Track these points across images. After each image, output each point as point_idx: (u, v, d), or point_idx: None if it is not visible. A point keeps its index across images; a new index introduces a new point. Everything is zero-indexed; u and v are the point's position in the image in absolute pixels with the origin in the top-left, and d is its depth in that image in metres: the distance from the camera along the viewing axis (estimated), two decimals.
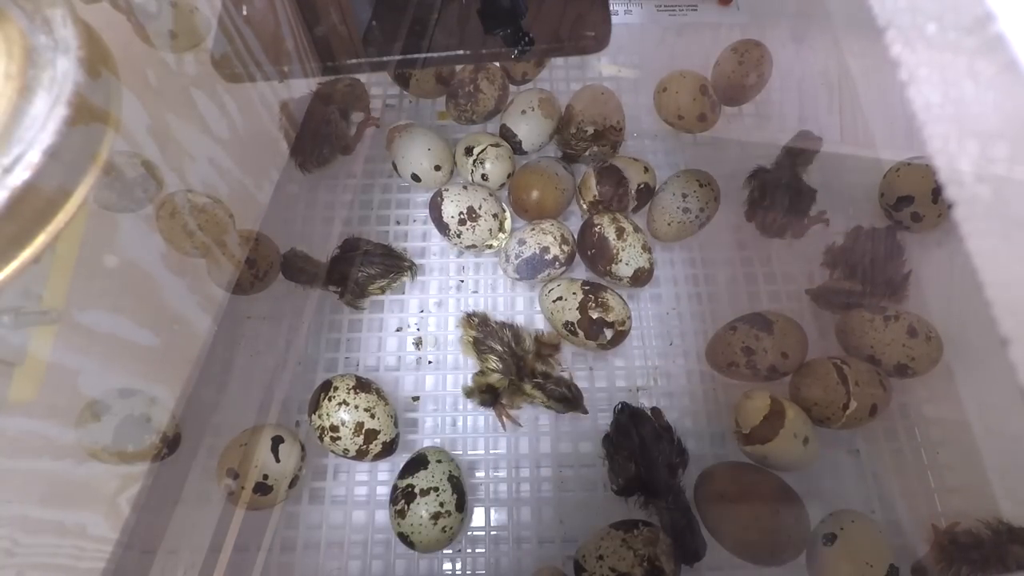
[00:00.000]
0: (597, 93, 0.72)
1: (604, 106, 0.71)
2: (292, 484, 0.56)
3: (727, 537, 0.54)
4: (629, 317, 0.61)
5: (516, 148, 0.72)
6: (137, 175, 0.55)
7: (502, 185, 0.70)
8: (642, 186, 0.67)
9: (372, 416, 0.56)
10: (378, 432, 0.56)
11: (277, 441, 0.55)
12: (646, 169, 0.68)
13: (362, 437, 0.55)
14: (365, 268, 0.64)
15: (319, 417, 0.55)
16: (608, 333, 0.60)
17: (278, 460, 0.55)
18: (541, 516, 0.58)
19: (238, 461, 0.55)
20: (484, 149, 0.68)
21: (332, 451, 0.56)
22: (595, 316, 0.59)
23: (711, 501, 0.55)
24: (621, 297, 0.62)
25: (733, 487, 0.55)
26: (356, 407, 0.55)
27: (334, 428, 0.55)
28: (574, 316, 0.60)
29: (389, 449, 0.57)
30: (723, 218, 0.68)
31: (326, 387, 0.56)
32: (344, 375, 0.57)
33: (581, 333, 0.60)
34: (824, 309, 0.63)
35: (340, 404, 0.55)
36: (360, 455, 0.56)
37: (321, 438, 0.56)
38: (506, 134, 0.71)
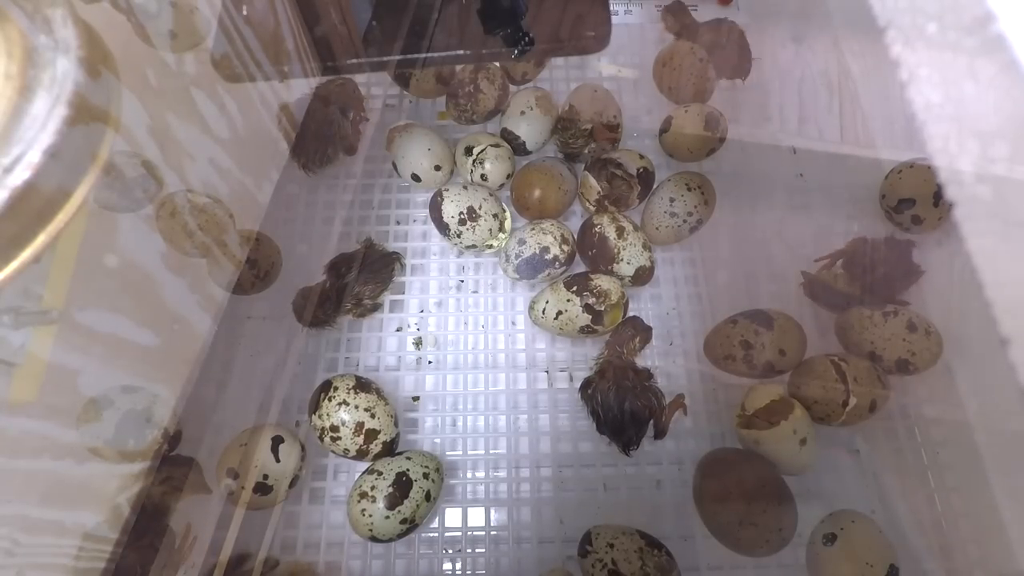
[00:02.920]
0: (592, 91, 0.72)
1: (600, 103, 0.71)
2: (292, 484, 0.56)
3: (712, 519, 0.54)
4: (622, 287, 0.62)
5: (520, 149, 0.72)
6: (137, 175, 0.55)
7: (501, 185, 0.70)
8: (641, 170, 0.67)
9: (372, 416, 0.56)
10: (378, 432, 0.56)
11: (277, 441, 0.55)
12: (641, 156, 0.68)
13: (362, 437, 0.55)
14: (362, 286, 0.64)
15: (319, 417, 0.55)
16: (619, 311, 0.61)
17: (278, 460, 0.55)
18: (541, 516, 0.58)
19: (238, 461, 0.55)
20: (484, 149, 0.68)
21: (332, 451, 0.56)
22: (601, 308, 0.60)
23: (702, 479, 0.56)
24: (605, 275, 0.62)
25: (721, 468, 0.56)
26: (356, 407, 0.55)
27: (334, 428, 0.55)
28: (585, 320, 0.60)
29: (389, 449, 0.57)
30: (723, 218, 0.68)
31: (326, 387, 0.56)
32: (344, 375, 0.57)
33: (599, 326, 0.60)
34: (811, 299, 0.63)
35: (340, 404, 0.55)
36: (360, 455, 0.56)
37: (321, 438, 0.56)
38: (508, 137, 0.71)
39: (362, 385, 0.57)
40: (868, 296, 0.61)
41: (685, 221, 0.65)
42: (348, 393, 0.56)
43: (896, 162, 0.64)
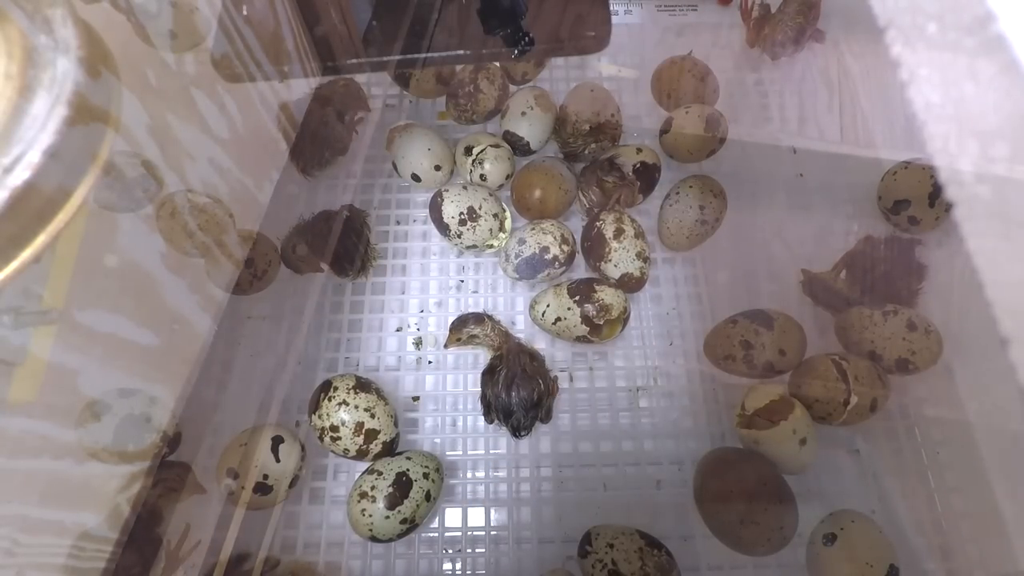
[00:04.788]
0: (589, 90, 0.72)
1: (598, 102, 0.71)
2: (292, 484, 0.56)
3: (713, 518, 0.54)
4: (626, 300, 0.62)
5: (524, 150, 0.71)
6: (137, 175, 0.55)
7: (501, 185, 0.70)
8: (638, 166, 0.66)
9: (372, 416, 0.56)
10: (378, 432, 0.56)
11: (277, 441, 0.55)
12: (639, 150, 0.68)
13: (362, 437, 0.55)
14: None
15: (319, 417, 0.55)
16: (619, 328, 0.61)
17: (278, 460, 0.55)
18: (541, 516, 0.58)
19: (238, 461, 0.55)
20: (483, 149, 0.68)
21: (332, 451, 0.56)
22: (600, 323, 0.60)
23: (702, 479, 0.56)
24: (610, 287, 0.62)
25: (721, 467, 0.56)
26: (356, 407, 0.55)
27: (334, 428, 0.55)
28: (583, 331, 0.60)
29: (389, 449, 0.57)
30: (724, 218, 0.68)
31: (326, 387, 0.56)
32: (344, 375, 0.57)
33: (595, 338, 0.61)
34: (809, 298, 0.63)
35: (340, 404, 0.55)
36: (360, 455, 0.56)
37: (321, 438, 0.56)
38: (511, 139, 0.71)
39: (362, 385, 0.57)
40: (869, 297, 0.61)
41: (712, 227, 0.66)
42: (348, 393, 0.56)
43: (896, 162, 0.64)
